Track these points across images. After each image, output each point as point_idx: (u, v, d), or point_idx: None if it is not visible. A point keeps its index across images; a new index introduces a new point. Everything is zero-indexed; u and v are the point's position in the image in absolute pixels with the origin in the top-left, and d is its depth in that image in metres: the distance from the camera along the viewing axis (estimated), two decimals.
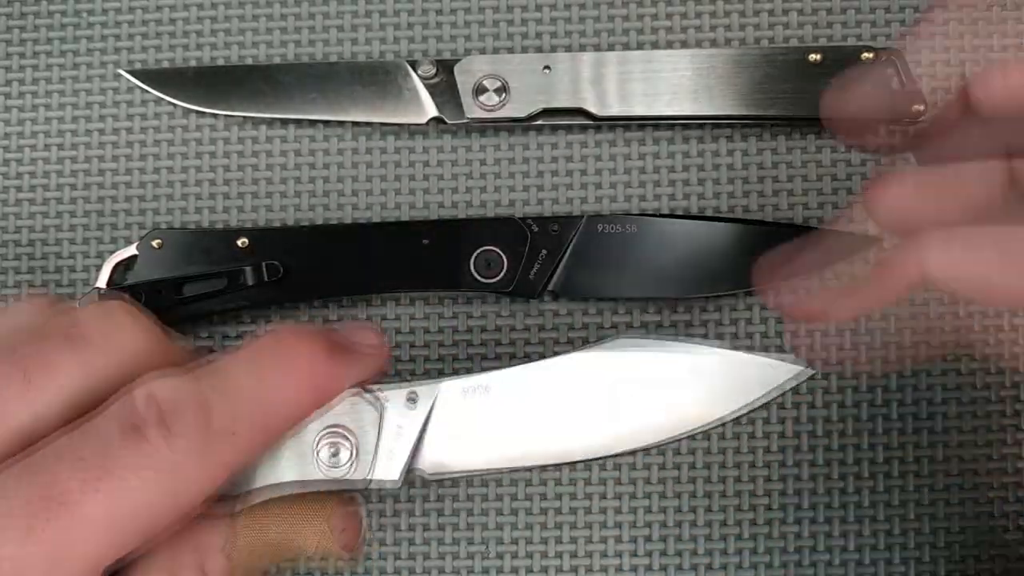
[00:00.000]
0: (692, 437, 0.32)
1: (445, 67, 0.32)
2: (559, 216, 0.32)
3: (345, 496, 0.26)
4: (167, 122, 0.33)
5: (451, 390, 0.25)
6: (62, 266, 0.33)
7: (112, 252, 0.32)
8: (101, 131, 0.33)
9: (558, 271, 0.31)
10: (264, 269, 0.31)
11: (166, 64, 0.34)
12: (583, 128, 0.33)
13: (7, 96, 0.34)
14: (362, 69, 0.32)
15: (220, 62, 0.33)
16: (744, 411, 0.23)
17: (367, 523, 0.27)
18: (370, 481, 0.25)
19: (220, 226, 0.33)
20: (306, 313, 0.32)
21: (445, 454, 0.25)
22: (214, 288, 0.31)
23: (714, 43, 0.33)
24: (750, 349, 0.25)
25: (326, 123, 0.33)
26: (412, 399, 0.25)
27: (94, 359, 0.23)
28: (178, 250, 0.31)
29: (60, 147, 0.33)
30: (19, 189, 0.33)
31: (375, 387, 0.26)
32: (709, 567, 0.31)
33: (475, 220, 0.32)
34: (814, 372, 0.23)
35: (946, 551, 0.31)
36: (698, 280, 0.31)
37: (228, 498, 0.24)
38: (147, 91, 0.33)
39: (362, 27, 0.33)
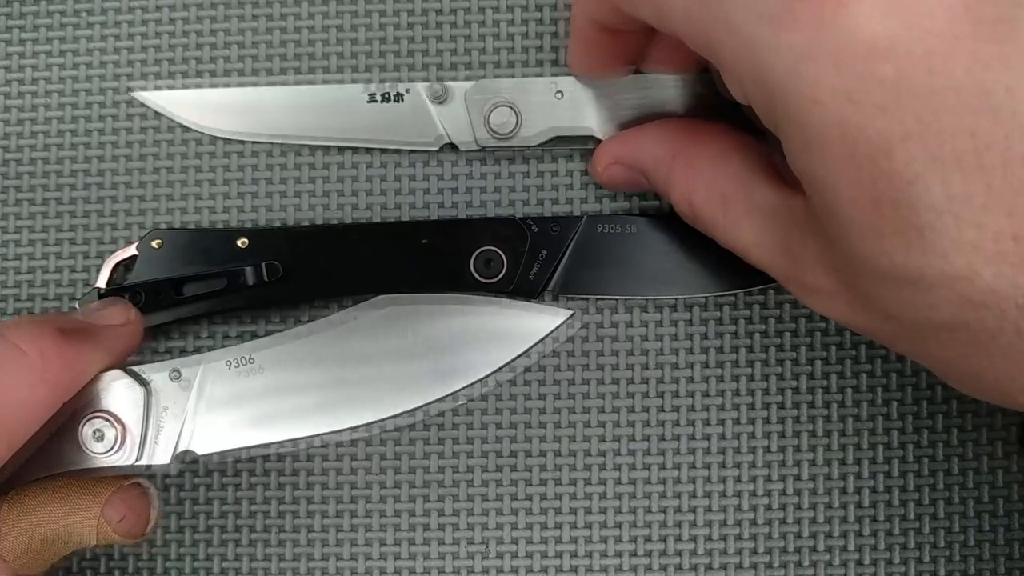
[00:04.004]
0: (692, 437, 0.32)
1: (456, 92, 0.31)
2: (559, 216, 0.32)
3: (124, 481, 0.25)
4: (167, 122, 0.33)
5: (216, 364, 0.25)
6: (62, 266, 0.33)
7: (112, 252, 0.32)
8: (101, 131, 0.33)
9: (558, 271, 0.31)
10: (264, 269, 0.31)
11: (166, 63, 0.33)
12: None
13: (7, 96, 0.34)
14: (372, 93, 0.32)
15: (220, 62, 0.33)
16: (519, 357, 0.25)
17: (158, 506, 0.26)
18: (146, 465, 0.24)
19: (220, 226, 0.33)
20: (307, 313, 0.32)
21: (216, 431, 0.24)
22: (214, 288, 0.31)
23: None
24: (518, 303, 0.27)
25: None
26: (175, 377, 0.25)
27: None
28: (178, 250, 0.31)
29: (60, 147, 0.33)
30: (19, 189, 0.33)
31: (138, 367, 0.25)
32: (709, 567, 0.31)
33: (475, 220, 0.32)
34: (572, 313, 0.26)
35: (946, 551, 0.31)
36: (698, 280, 0.31)
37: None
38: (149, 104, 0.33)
39: (362, 29, 0.33)
